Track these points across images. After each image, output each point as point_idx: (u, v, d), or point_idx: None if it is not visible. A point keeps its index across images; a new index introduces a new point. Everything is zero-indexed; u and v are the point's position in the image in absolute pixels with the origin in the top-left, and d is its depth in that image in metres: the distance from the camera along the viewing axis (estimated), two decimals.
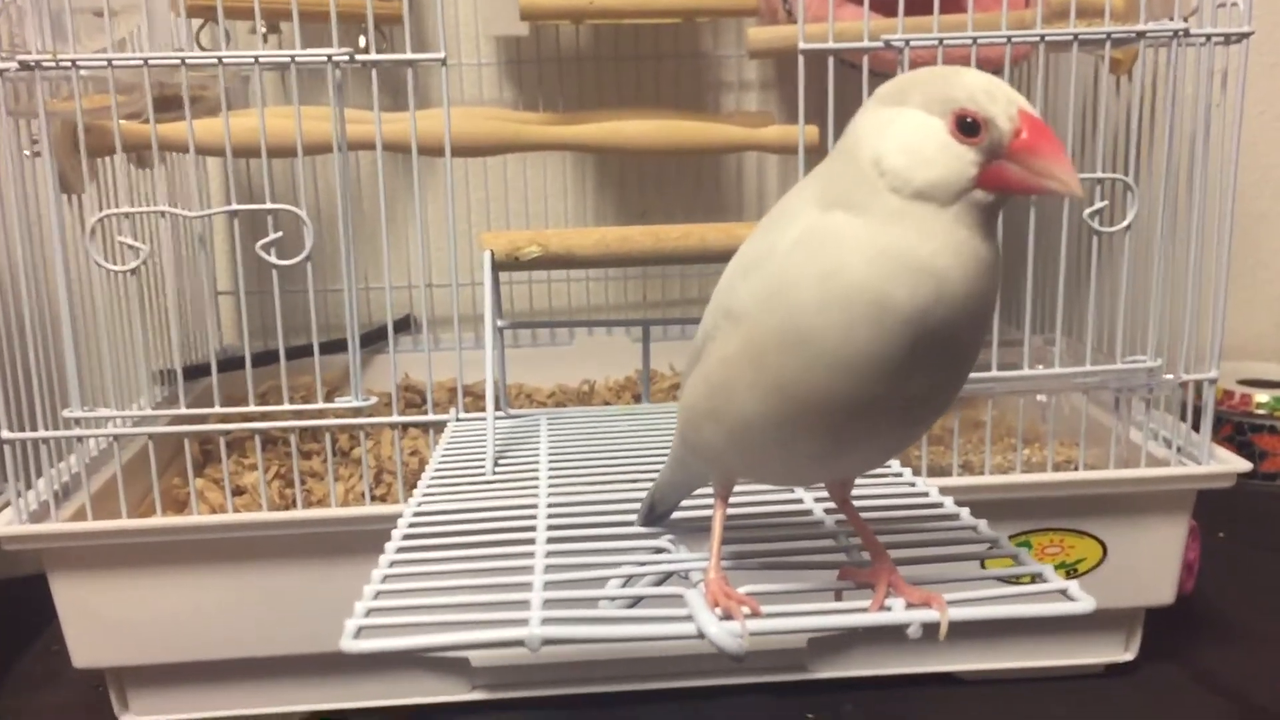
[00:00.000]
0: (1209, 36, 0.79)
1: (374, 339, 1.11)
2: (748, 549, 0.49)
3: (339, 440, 1.00)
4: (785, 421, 0.41)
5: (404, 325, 1.20)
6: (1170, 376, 0.83)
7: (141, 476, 0.84)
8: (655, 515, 0.55)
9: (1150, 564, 0.83)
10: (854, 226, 0.39)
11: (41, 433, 0.79)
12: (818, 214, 0.40)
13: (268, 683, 0.82)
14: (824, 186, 0.41)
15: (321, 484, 0.93)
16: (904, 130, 0.39)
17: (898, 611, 0.42)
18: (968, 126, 0.38)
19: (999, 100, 0.38)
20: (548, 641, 0.38)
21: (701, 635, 0.39)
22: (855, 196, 0.39)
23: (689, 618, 0.40)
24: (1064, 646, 0.86)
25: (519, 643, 0.38)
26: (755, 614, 0.41)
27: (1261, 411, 1.17)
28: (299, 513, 0.78)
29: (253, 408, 0.79)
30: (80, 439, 0.81)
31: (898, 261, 0.38)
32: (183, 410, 0.81)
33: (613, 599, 0.44)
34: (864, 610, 0.43)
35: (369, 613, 0.41)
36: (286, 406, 0.80)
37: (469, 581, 0.44)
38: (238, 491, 0.91)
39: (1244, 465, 0.81)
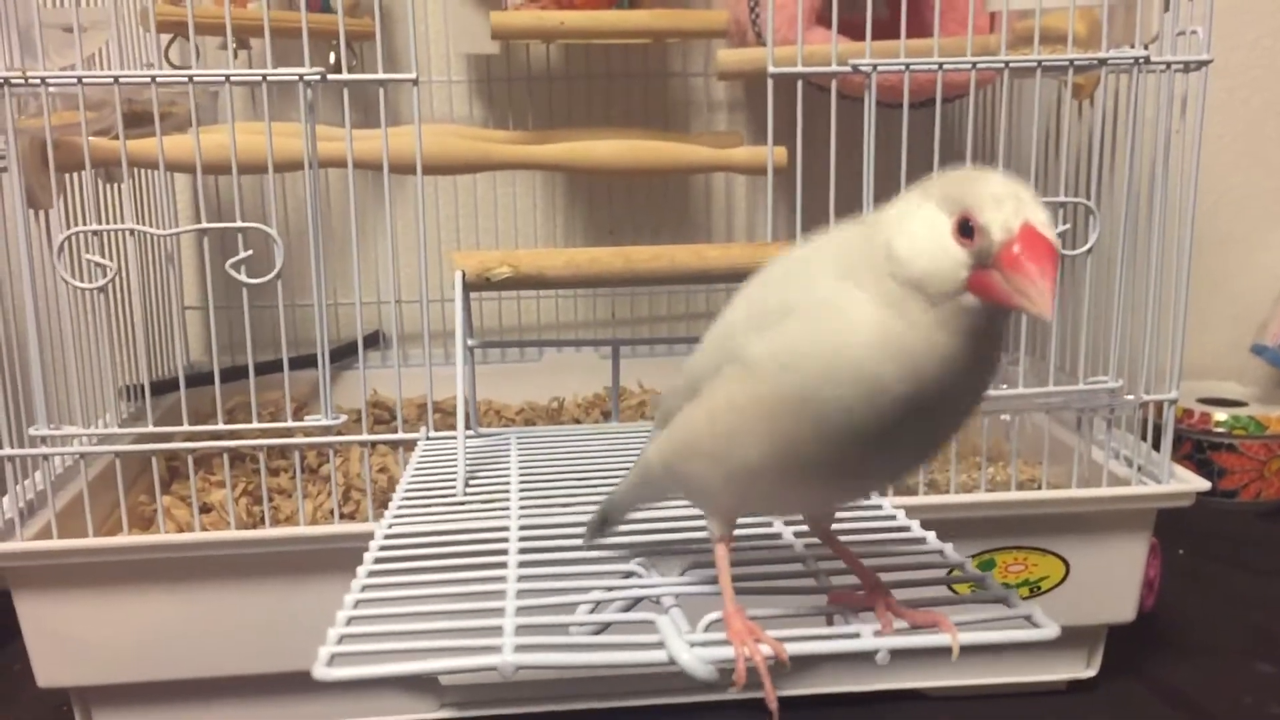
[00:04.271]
0: (1169, 64, 0.80)
1: (343, 355, 1.11)
2: (713, 573, 0.50)
3: (307, 457, 1.00)
4: (787, 472, 0.43)
5: (372, 341, 1.20)
6: (1131, 397, 0.84)
7: (108, 493, 0.83)
8: (604, 531, 0.56)
9: (1112, 581, 0.85)
10: (860, 306, 0.40)
11: (7, 450, 0.78)
12: (833, 283, 0.41)
13: (234, 702, 0.82)
14: (844, 253, 0.42)
15: (289, 501, 0.93)
16: (916, 222, 0.40)
17: (916, 636, 0.43)
18: (965, 229, 0.38)
19: (1004, 209, 0.38)
20: (521, 669, 0.38)
21: (673, 662, 0.39)
22: (865, 273, 0.40)
23: (660, 644, 0.41)
24: (1027, 663, 0.87)
25: (492, 669, 0.38)
26: (780, 659, 0.42)
27: (1220, 430, 1.19)
28: (267, 531, 0.78)
29: (221, 426, 0.79)
30: (46, 457, 0.81)
31: (890, 349, 0.39)
32: (150, 429, 0.80)
33: (584, 624, 0.45)
34: (876, 633, 0.44)
35: (341, 639, 0.41)
36: (255, 425, 0.79)
37: (442, 607, 0.45)
38: (205, 509, 0.90)
39: (1203, 484, 0.82)
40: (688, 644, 0.40)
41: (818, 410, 0.40)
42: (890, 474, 0.45)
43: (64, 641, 0.78)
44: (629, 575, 0.49)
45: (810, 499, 0.47)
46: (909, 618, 0.44)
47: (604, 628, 0.44)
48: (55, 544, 0.76)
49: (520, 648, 0.39)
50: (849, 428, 0.40)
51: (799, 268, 0.44)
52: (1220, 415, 1.19)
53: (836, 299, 0.41)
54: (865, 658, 0.43)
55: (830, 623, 0.46)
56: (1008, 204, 0.38)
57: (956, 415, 0.43)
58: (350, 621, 0.43)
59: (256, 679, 0.81)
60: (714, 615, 0.44)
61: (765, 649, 0.42)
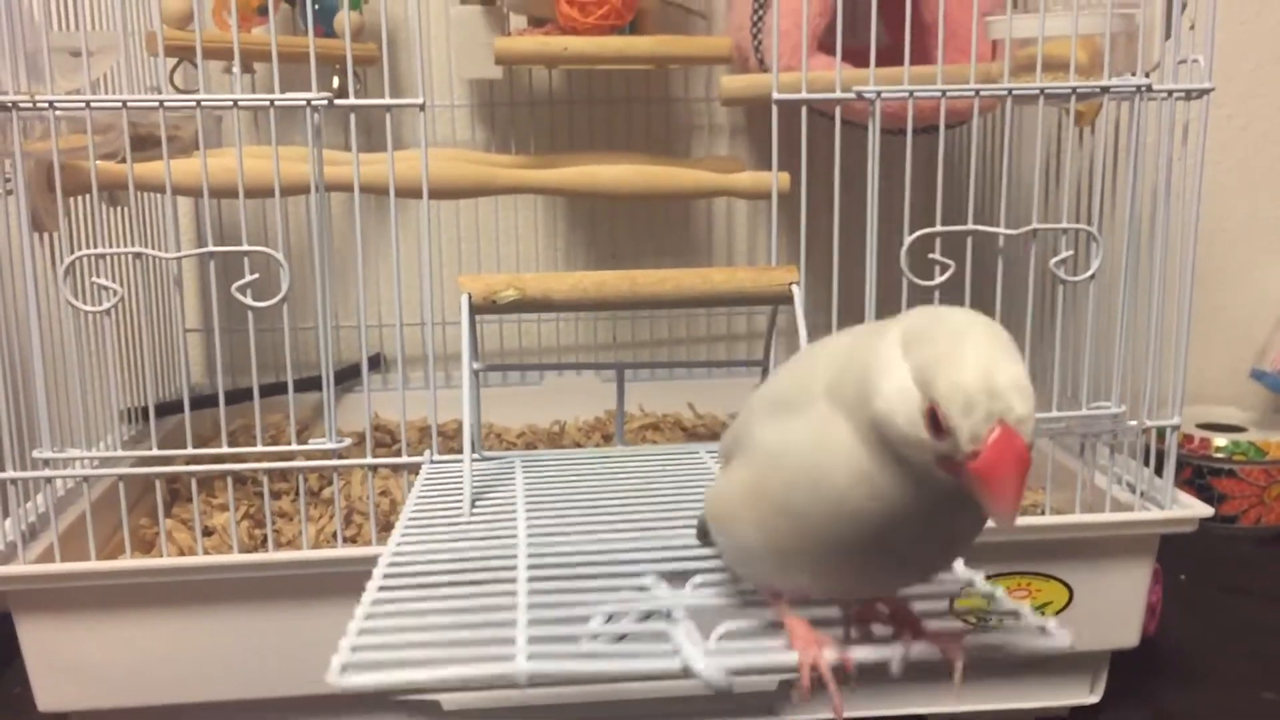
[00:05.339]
0: (1171, 92, 0.81)
1: (344, 377, 1.11)
2: (726, 587, 0.50)
3: (309, 480, 1.00)
4: (781, 561, 0.43)
5: (373, 363, 1.20)
6: (1134, 423, 0.85)
7: (110, 515, 0.83)
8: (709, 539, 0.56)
9: (1115, 607, 0.84)
10: (841, 440, 0.40)
11: (10, 473, 0.78)
12: (824, 401, 0.41)
13: None
14: (838, 375, 0.41)
15: (291, 524, 0.93)
16: (891, 384, 0.38)
17: (927, 647, 0.44)
18: (934, 421, 0.37)
19: (974, 414, 0.36)
20: (534, 676, 0.38)
21: (688, 671, 0.39)
22: (853, 403, 0.40)
23: (675, 653, 0.41)
24: (1030, 689, 0.86)
25: (507, 678, 0.38)
26: (846, 667, 0.42)
27: (1220, 455, 1.19)
28: (270, 555, 0.78)
29: (224, 449, 0.79)
30: (49, 479, 0.80)
31: (871, 488, 0.39)
32: (154, 452, 0.80)
33: (596, 635, 0.44)
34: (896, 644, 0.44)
35: (355, 649, 0.41)
36: (258, 449, 0.79)
37: (453, 619, 0.45)
38: (207, 532, 0.90)
39: (1206, 510, 0.82)
40: (703, 653, 0.40)
41: (798, 515, 0.41)
42: (901, 578, 0.45)
43: (65, 665, 0.78)
44: (641, 590, 0.49)
45: (815, 590, 0.46)
46: (931, 639, 0.44)
47: (617, 639, 0.44)
48: (57, 567, 0.76)
49: (534, 656, 0.39)
50: (828, 540, 0.41)
51: (808, 365, 0.44)
52: (1220, 440, 1.20)
53: (823, 422, 0.41)
54: (872, 678, 0.43)
55: (847, 637, 0.46)
56: (979, 407, 0.36)
57: (955, 543, 0.43)
58: (362, 632, 0.43)
59: (258, 703, 0.80)
60: (728, 626, 0.44)
61: (831, 656, 0.42)
